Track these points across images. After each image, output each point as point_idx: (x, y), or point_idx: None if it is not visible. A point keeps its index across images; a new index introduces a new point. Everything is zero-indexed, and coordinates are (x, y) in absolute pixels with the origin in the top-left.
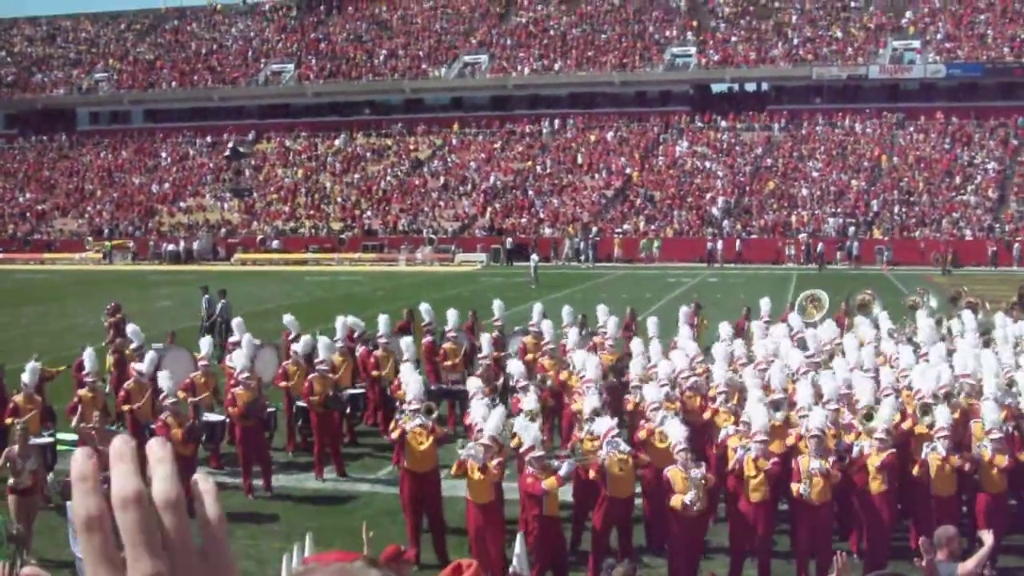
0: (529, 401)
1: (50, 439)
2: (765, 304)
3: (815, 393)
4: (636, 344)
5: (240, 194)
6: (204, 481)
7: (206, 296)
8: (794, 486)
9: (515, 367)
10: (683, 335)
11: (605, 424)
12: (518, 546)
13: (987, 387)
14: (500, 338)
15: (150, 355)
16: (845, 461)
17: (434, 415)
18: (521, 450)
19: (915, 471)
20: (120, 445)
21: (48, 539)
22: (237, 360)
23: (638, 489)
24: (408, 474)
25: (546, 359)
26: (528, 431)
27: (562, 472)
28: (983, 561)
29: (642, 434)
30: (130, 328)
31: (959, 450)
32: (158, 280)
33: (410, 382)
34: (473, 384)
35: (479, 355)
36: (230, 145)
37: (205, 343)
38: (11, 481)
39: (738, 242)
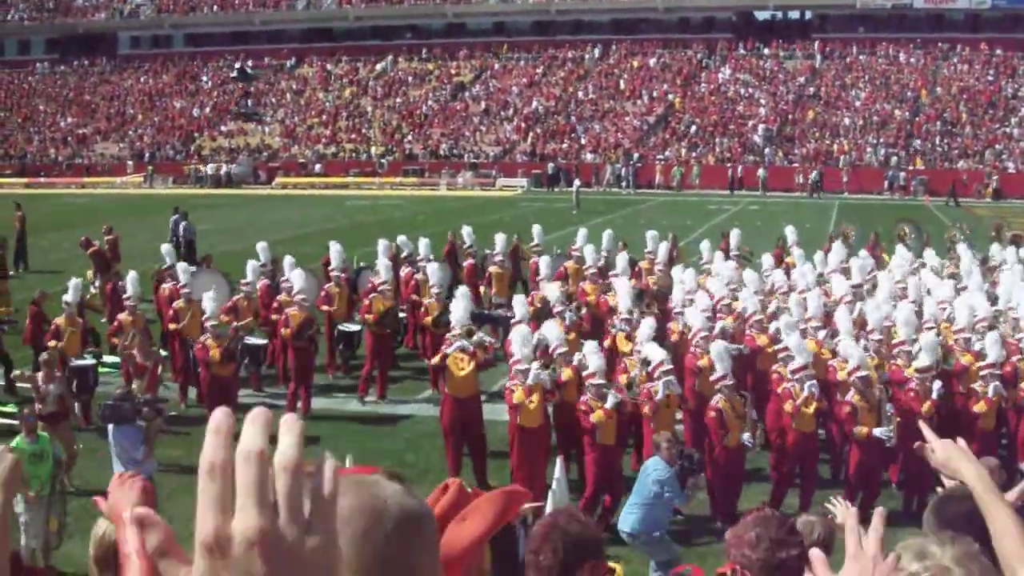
0: (552, 330)
1: (92, 361)
2: (790, 232)
3: (859, 322)
4: (677, 272)
5: (249, 117)
6: (329, 459)
7: (174, 217)
8: (877, 431)
9: (551, 292)
10: (719, 262)
11: (659, 355)
12: (558, 471)
13: None
14: (539, 263)
15: (182, 265)
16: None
17: (475, 338)
18: (584, 374)
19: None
20: (257, 412)
21: (90, 460)
22: (294, 281)
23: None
24: (449, 399)
25: (587, 284)
26: (593, 357)
27: (607, 405)
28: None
29: (703, 362)
30: (164, 247)
31: (1003, 384)
32: (198, 204)
33: (455, 307)
34: (519, 309)
35: (538, 278)
36: (236, 66)
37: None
38: (37, 407)
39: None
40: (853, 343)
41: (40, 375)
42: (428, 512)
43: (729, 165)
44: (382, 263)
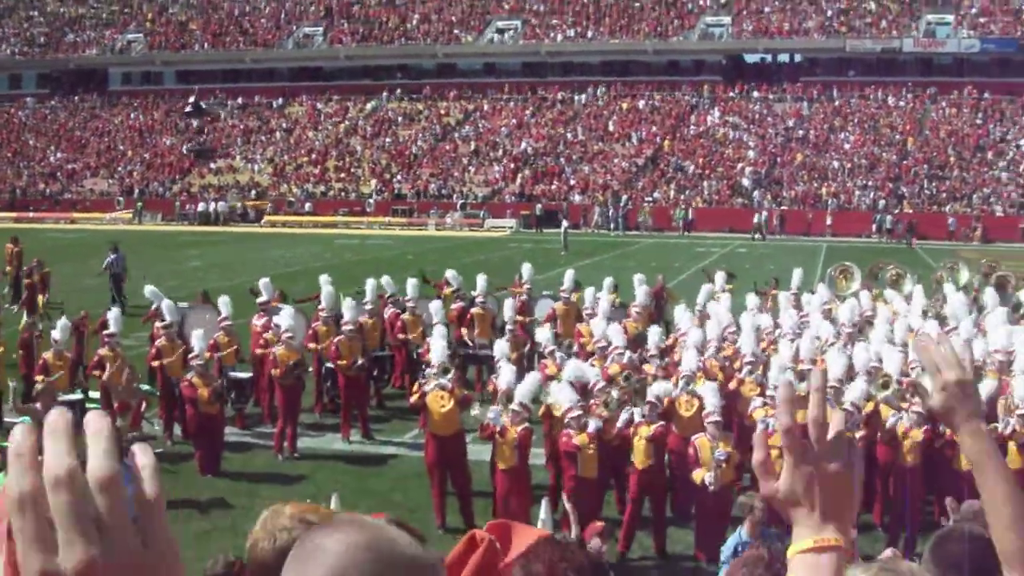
0: (569, 367)
1: (79, 396)
2: (796, 275)
3: (845, 364)
4: (679, 311)
5: (202, 155)
6: (143, 454)
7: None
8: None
9: (542, 333)
10: (719, 304)
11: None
12: (543, 511)
13: (1019, 362)
14: (527, 303)
15: (166, 303)
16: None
17: (450, 375)
18: (560, 412)
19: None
20: (54, 419)
21: None
22: (282, 320)
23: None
24: (432, 437)
25: (584, 326)
26: (564, 393)
27: (590, 428)
28: None
29: (683, 409)
30: (147, 289)
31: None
32: (187, 241)
33: (434, 346)
34: (500, 349)
35: (505, 320)
36: (191, 100)
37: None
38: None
39: (766, 214)
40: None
41: (39, 406)
42: (437, 562)
43: (754, 208)
44: (346, 304)
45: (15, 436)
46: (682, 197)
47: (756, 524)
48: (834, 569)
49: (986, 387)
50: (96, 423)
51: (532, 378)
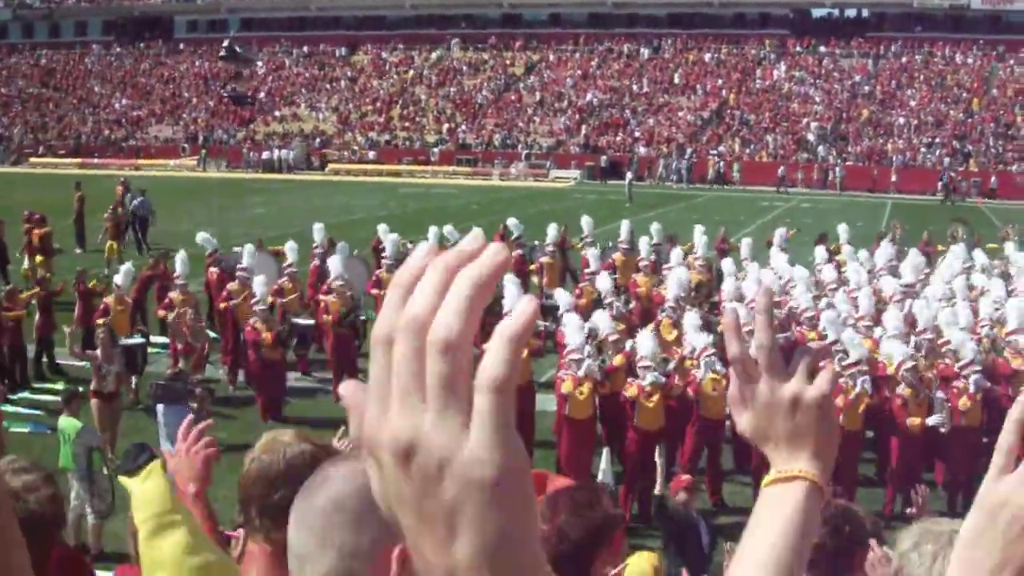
0: (603, 320)
1: (141, 340)
2: (843, 230)
3: (908, 321)
4: (727, 264)
5: (239, 101)
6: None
7: (127, 194)
8: (931, 420)
9: (603, 283)
10: (776, 258)
11: (702, 341)
12: (604, 461)
13: None
14: (591, 255)
15: (248, 248)
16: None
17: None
18: (636, 358)
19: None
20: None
21: (136, 439)
22: (332, 266)
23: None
24: None
25: (640, 276)
26: (646, 343)
27: (645, 382)
28: None
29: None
30: (200, 236)
31: None
32: (251, 188)
33: (509, 294)
34: (563, 299)
35: (588, 271)
36: (225, 44)
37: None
38: (94, 384)
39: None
40: (896, 341)
41: (99, 352)
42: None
43: (780, 162)
44: (332, 260)
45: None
46: (746, 151)
47: None
48: (799, 500)
49: None
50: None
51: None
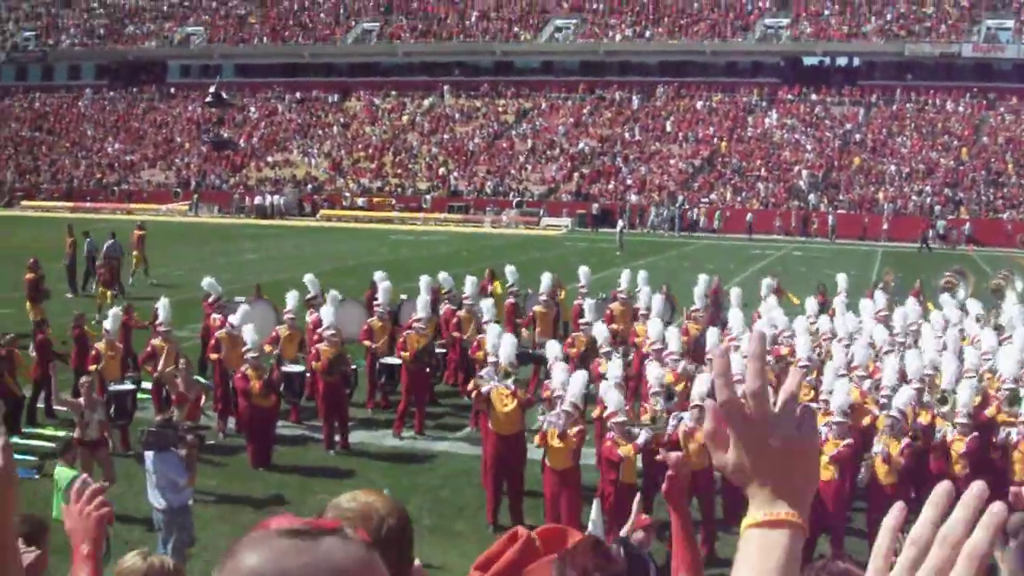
0: (614, 368)
1: (131, 387)
2: (842, 280)
3: (900, 372)
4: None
5: (221, 147)
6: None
7: (88, 239)
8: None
9: (600, 331)
10: (770, 306)
11: (693, 392)
12: (594, 512)
13: None
14: (581, 306)
15: (243, 308)
16: (917, 443)
17: (511, 379)
18: (604, 415)
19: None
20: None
21: (126, 487)
22: (323, 315)
23: None
24: (493, 436)
25: (639, 325)
26: (611, 396)
27: (639, 440)
28: None
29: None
30: (206, 281)
31: None
32: (243, 234)
33: (504, 346)
34: (553, 349)
35: (581, 321)
36: (211, 90)
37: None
38: (77, 433)
39: (831, 217)
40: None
41: (82, 400)
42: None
43: (776, 210)
44: (420, 300)
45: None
46: (738, 199)
47: None
48: (786, 545)
49: None
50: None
51: (579, 377)
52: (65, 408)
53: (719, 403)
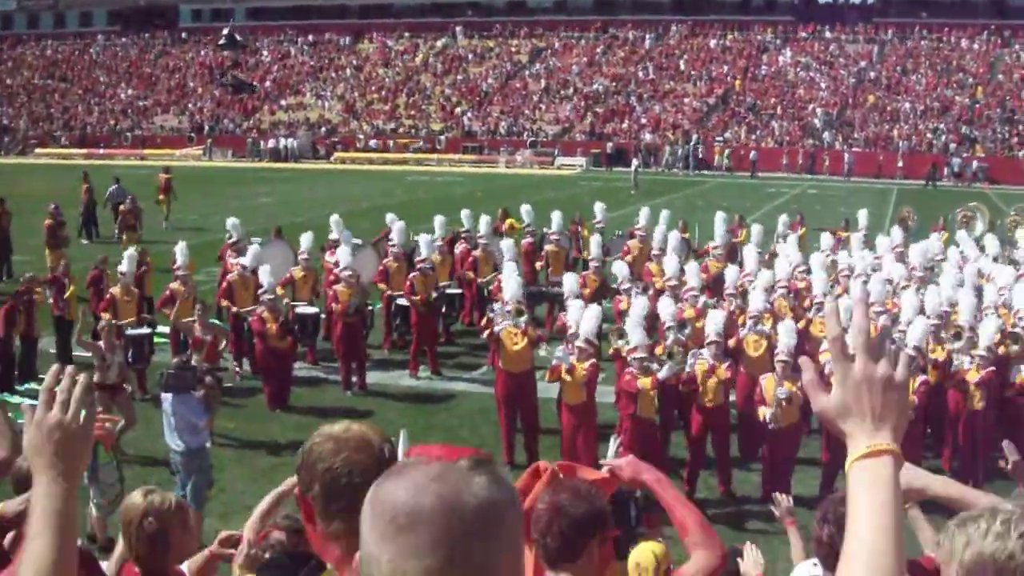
0: (638, 305)
1: (147, 331)
2: (863, 216)
3: (918, 307)
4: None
5: (240, 89)
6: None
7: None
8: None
9: (620, 268)
10: (787, 243)
11: (709, 329)
12: (612, 449)
13: None
14: (602, 242)
15: (253, 249)
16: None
17: (524, 317)
18: (626, 350)
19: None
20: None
21: (144, 430)
22: (340, 257)
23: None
24: (503, 374)
25: (653, 264)
26: (636, 331)
27: (660, 375)
28: None
29: (731, 342)
30: (229, 222)
31: None
32: (257, 178)
33: (508, 283)
34: (569, 285)
35: (590, 258)
36: (225, 32)
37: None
38: (97, 376)
39: (846, 155)
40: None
41: (102, 343)
42: (509, 503)
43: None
44: (423, 240)
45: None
46: (752, 137)
47: None
48: (890, 472)
49: None
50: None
51: (593, 311)
52: (85, 350)
53: (830, 339)
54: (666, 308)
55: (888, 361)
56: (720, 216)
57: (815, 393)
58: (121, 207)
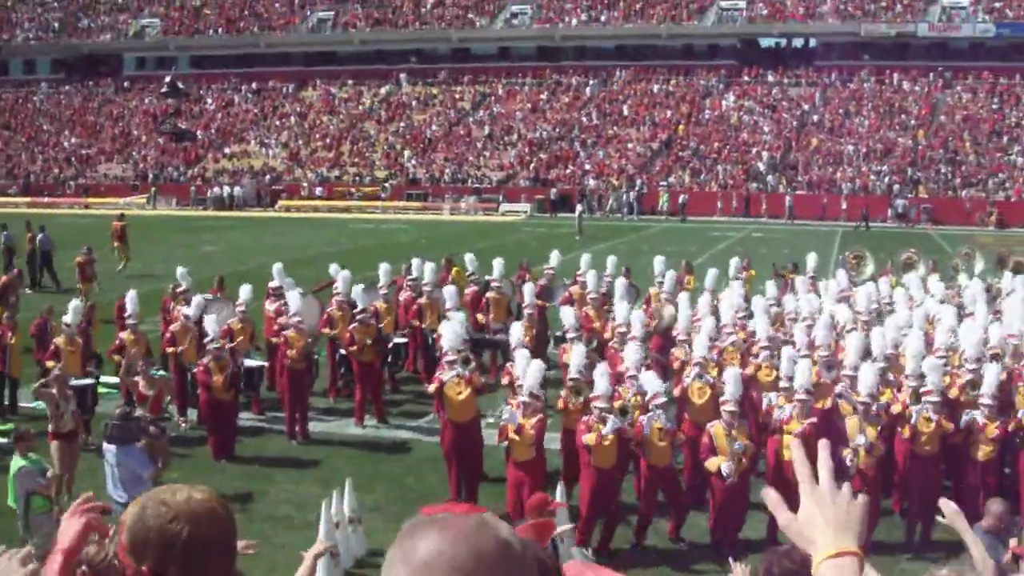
0: (577, 355)
1: (91, 381)
2: (811, 260)
3: (864, 351)
4: (683, 298)
5: (180, 137)
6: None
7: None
8: (845, 452)
9: (567, 316)
10: (732, 289)
11: (654, 386)
12: (559, 496)
13: None
14: (546, 287)
15: (196, 300)
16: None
17: (471, 365)
18: (589, 396)
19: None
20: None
21: (89, 481)
22: (290, 304)
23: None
24: (449, 424)
25: (590, 309)
26: (600, 380)
27: (604, 430)
28: None
29: (677, 390)
30: (179, 271)
31: (1005, 413)
32: (202, 226)
33: (447, 332)
34: (515, 334)
35: (523, 304)
36: (167, 80)
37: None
38: (52, 426)
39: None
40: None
41: (55, 391)
42: (525, 549)
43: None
44: (355, 291)
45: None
46: (696, 182)
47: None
48: (855, 572)
49: (993, 371)
50: None
51: (537, 365)
52: (38, 400)
53: (799, 472)
54: (631, 355)
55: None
56: (659, 259)
57: (780, 510)
58: (78, 258)
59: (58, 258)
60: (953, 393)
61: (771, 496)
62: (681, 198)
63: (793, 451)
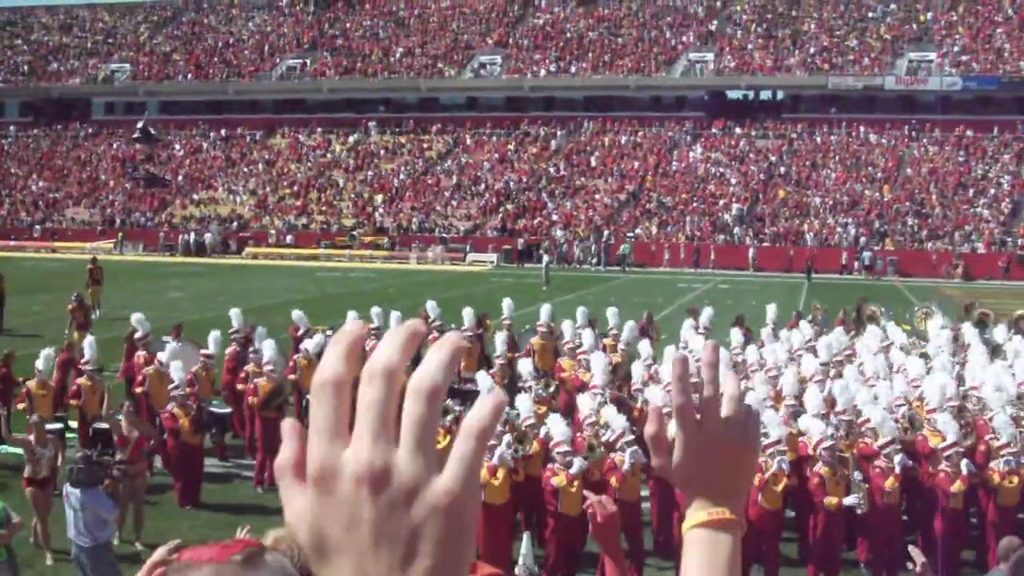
0: (523, 402)
1: (59, 426)
2: (771, 311)
3: (827, 401)
4: (644, 347)
5: (153, 183)
6: (496, 393)
7: None
8: (847, 500)
9: (524, 366)
10: (691, 339)
11: (618, 424)
12: (524, 545)
13: (995, 400)
14: (511, 337)
15: (171, 346)
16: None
17: (450, 416)
18: (551, 443)
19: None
20: (408, 324)
21: (54, 527)
22: (265, 351)
23: (645, 492)
24: None
25: (565, 359)
26: (558, 427)
27: (572, 470)
28: None
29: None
30: (135, 317)
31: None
32: (168, 272)
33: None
34: (484, 383)
35: (495, 355)
36: (139, 125)
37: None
38: (28, 471)
39: (751, 249)
40: (816, 420)
41: (32, 438)
42: None
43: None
44: (266, 344)
45: (347, 325)
46: (664, 233)
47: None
48: (731, 542)
49: (1003, 419)
50: (449, 339)
51: (523, 400)
52: (13, 446)
53: (675, 406)
54: (585, 403)
55: (736, 430)
56: (612, 311)
57: (657, 452)
58: (69, 306)
59: (9, 302)
60: (936, 440)
61: (650, 432)
62: (623, 247)
63: (674, 384)
